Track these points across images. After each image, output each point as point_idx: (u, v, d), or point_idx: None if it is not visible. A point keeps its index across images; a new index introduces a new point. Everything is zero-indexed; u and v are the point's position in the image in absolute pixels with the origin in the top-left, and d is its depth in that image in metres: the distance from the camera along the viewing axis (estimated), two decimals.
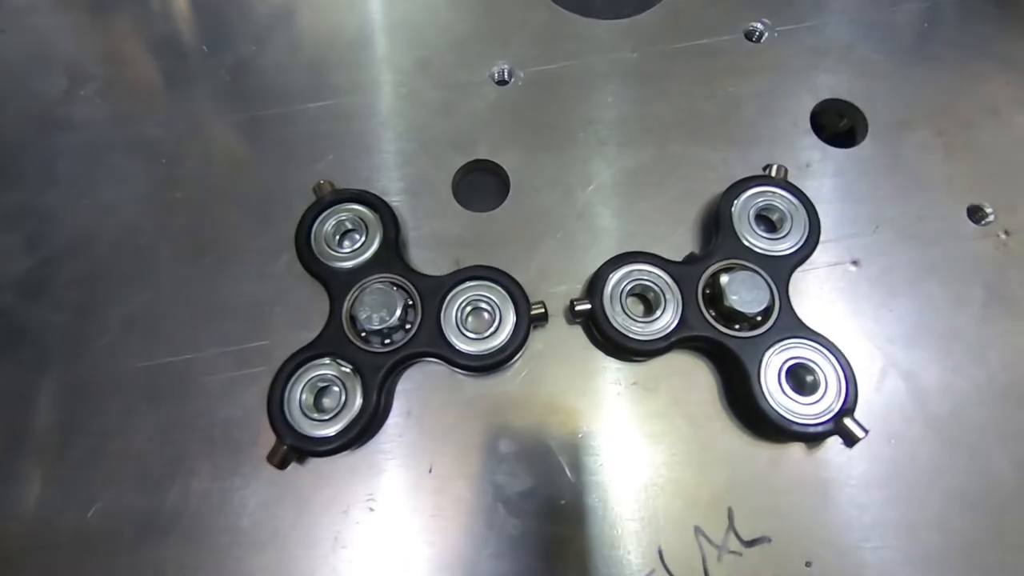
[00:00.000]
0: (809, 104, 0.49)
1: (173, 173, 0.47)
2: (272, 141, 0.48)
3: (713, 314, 0.40)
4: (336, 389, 0.39)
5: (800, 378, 0.39)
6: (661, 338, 0.39)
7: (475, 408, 0.41)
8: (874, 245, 0.45)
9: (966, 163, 0.47)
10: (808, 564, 0.38)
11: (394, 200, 0.45)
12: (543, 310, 0.40)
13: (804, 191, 0.43)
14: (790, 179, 0.44)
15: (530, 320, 0.40)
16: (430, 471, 0.40)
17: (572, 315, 0.41)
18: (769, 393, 0.38)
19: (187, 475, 0.40)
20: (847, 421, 0.37)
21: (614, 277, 0.41)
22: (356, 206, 0.43)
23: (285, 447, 0.37)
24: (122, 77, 0.51)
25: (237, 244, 0.45)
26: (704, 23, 0.52)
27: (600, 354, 0.42)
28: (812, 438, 0.39)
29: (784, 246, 0.42)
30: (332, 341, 0.40)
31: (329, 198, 0.43)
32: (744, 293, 0.39)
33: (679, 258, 0.43)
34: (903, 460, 0.40)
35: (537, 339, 0.42)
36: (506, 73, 0.50)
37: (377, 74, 0.51)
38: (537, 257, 0.44)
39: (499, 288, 0.41)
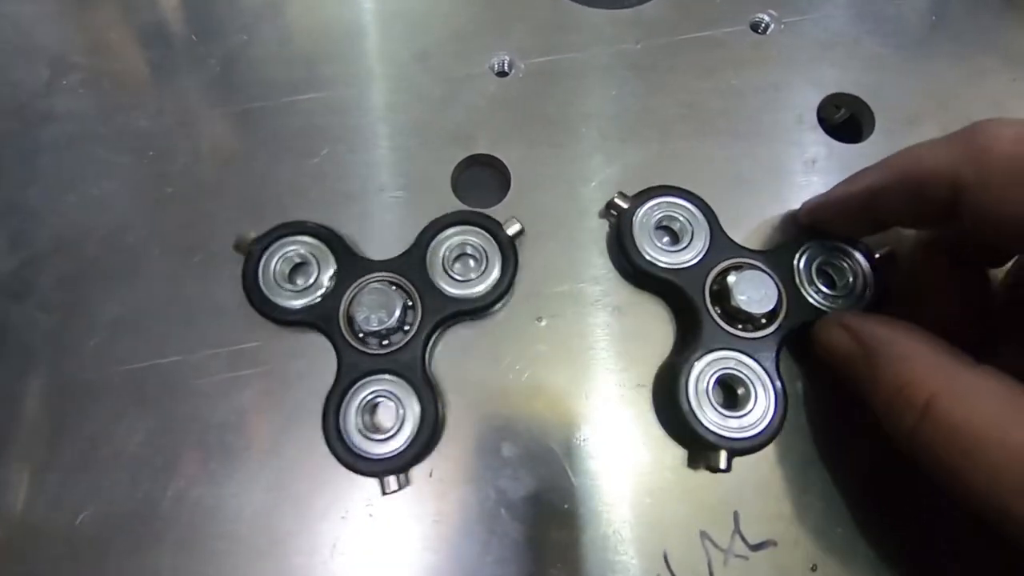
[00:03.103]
0: (815, 99, 0.48)
1: (162, 168, 0.46)
2: (265, 135, 0.46)
3: (719, 311, 0.39)
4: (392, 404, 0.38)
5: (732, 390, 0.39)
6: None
7: (476, 411, 0.40)
8: (881, 243, 0.44)
9: None
10: (814, 568, 0.37)
11: (392, 196, 0.44)
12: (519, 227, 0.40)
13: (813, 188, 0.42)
14: (805, 174, 0.43)
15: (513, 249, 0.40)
16: (431, 475, 0.39)
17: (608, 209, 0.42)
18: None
19: (180, 481, 0.38)
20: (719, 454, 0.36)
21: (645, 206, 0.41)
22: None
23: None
24: (107, 67, 0.49)
25: (229, 241, 0.43)
26: (709, 14, 0.51)
27: (604, 356, 0.41)
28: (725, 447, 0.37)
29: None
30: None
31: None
32: (752, 292, 0.38)
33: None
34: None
35: (538, 341, 0.41)
36: (506, 65, 0.49)
37: (373, 66, 0.49)
38: (538, 256, 0.43)
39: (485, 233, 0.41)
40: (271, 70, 0.49)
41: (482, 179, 0.47)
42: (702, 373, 0.38)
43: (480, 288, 0.40)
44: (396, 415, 0.38)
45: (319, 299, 0.40)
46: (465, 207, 0.44)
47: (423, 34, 0.50)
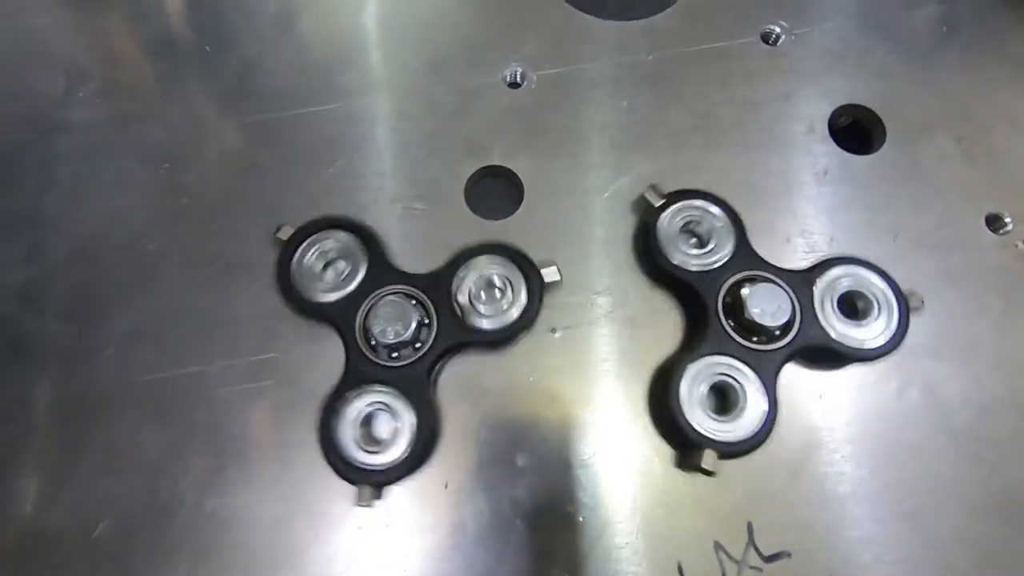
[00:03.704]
0: (827, 109, 0.48)
1: (178, 178, 0.46)
2: (280, 145, 0.47)
3: (732, 324, 0.39)
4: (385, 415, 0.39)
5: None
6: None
7: (491, 422, 0.40)
8: (893, 254, 0.44)
9: (985, 170, 0.47)
10: None
11: (406, 206, 0.44)
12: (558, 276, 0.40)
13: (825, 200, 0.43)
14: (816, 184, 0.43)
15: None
16: (446, 487, 0.39)
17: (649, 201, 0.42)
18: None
19: (198, 491, 0.39)
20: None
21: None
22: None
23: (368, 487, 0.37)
24: (123, 78, 0.50)
25: (245, 252, 0.44)
26: (720, 25, 0.51)
27: (618, 368, 0.41)
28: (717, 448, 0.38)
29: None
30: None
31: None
32: (766, 305, 0.38)
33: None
34: (923, 473, 0.39)
35: (552, 352, 0.42)
36: (519, 75, 0.49)
37: (386, 76, 0.49)
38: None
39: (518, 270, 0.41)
40: (285, 80, 0.49)
41: (495, 189, 0.47)
42: (698, 375, 0.38)
43: (499, 322, 0.40)
44: (391, 429, 0.38)
45: (344, 296, 0.40)
46: (479, 218, 0.44)
47: (436, 45, 0.51)
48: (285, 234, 0.41)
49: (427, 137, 0.47)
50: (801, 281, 0.41)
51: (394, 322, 0.38)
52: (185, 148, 0.47)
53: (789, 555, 0.38)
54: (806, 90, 0.49)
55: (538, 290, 0.40)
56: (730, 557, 0.38)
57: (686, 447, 0.38)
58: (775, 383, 0.39)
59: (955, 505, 0.39)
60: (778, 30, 0.51)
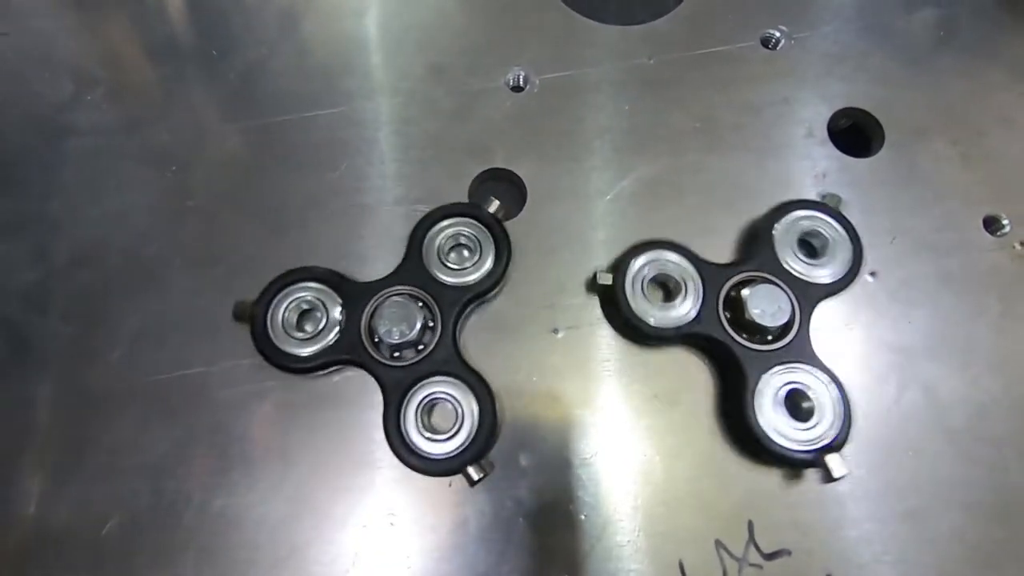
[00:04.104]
0: (826, 113, 0.49)
1: (183, 181, 0.46)
2: (285, 148, 0.47)
3: (729, 316, 0.40)
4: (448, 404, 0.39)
5: (796, 403, 0.39)
6: (673, 328, 0.40)
7: None
8: (892, 256, 0.45)
9: (982, 173, 0.47)
10: None
11: (411, 209, 0.44)
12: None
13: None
14: (815, 187, 0.44)
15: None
16: (450, 485, 0.39)
17: (592, 286, 0.42)
18: (760, 409, 0.38)
19: (203, 491, 0.39)
20: (829, 457, 0.37)
21: (638, 261, 0.41)
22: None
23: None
24: (129, 81, 0.50)
25: (249, 254, 0.44)
26: (720, 30, 0.51)
27: (620, 368, 0.42)
28: (792, 463, 0.38)
29: (821, 272, 0.42)
30: (348, 350, 0.39)
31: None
32: (766, 306, 0.39)
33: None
34: (921, 473, 0.40)
35: (555, 353, 0.42)
36: (521, 79, 0.50)
37: (390, 80, 0.50)
38: (554, 268, 0.44)
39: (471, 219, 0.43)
40: (290, 84, 0.49)
41: (498, 192, 0.47)
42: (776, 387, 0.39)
43: (482, 270, 0.41)
44: (454, 414, 0.39)
45: (338, 336, 0.40)
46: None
47: (439, 49, 0.51)
48: (244, 314, 0.41)
49: (430, 140, 0.48)
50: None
51: (398, 323, 0.38)
52: (190, 151, 0.47)
53: (789, 553, 0.38)
54: (805, 94, 0.50)
55: (498, 227, 0.42)
56: (731, 555, 0.38)
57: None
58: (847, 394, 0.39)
59: (953, 505, 0.39)
60: (778, 34, 0.51)
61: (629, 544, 0.38)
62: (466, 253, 0.42)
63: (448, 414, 0.39)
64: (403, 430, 0.38)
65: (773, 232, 0.42)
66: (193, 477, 0.39)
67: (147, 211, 0.46)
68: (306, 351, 0.40)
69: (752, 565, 0.38)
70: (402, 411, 0.38)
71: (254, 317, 0.40)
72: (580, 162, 0.47)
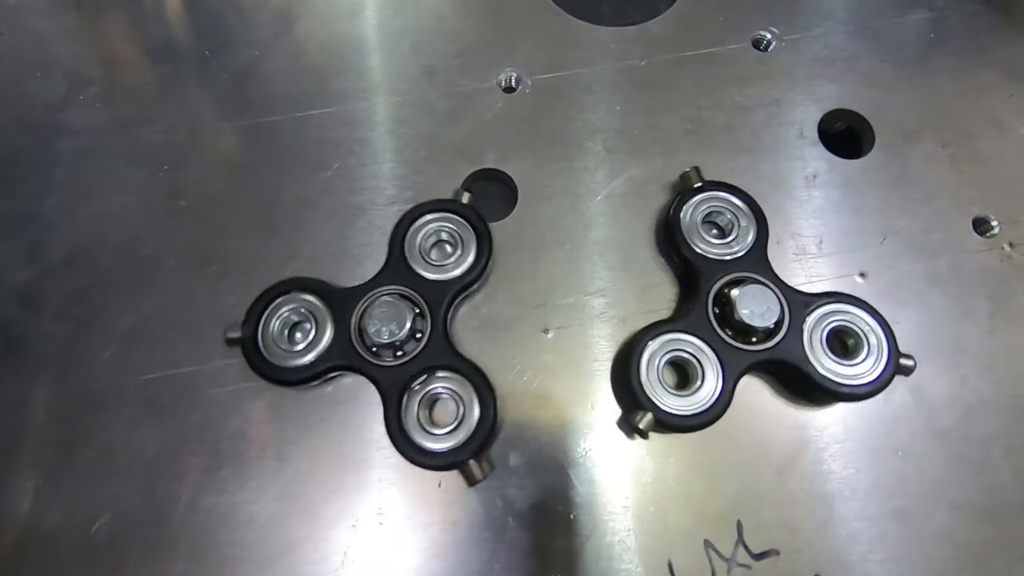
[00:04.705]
0: (816, 114, 0.49)
1: (176, 181, 0.46)
2: (277, 148, 0.47)
3: (730, 333, 0.40)
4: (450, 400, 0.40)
5: (843, 342, 0.40)
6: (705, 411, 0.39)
7: None
8: (881, 257, 0.45)
9: (971, 174, 0.47)
10: None
11: (403, 209, 0.45)
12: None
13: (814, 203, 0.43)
14: (806, 188, 0.44)
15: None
16: (440, 485, 0.39)
17: (637, 432, 0.39)
18: (819, 362, 0.39)
19: (194, 489, 0.39)
20: (901, 360, 0.38)
21: (645, 354, 0.40)
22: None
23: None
24: (123, 82, 0.50)
25: (242, 254, 0.44)
26: (712, 31, 0.52)
27: (608, 367, 0.42)
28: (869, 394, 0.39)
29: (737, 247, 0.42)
30: (343, 355, 0.39)
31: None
32: (755, 306, 0.39)
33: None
34: (910, 473, 0.40)
35: (545, 352, 0.42)
36: (513, 80, 0.50)
37: (382, 80, 0.50)
38: (545, 268, 0.44)
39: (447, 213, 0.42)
40: (283, 85, 0.50)
41: (489, 192, 0.48)
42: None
43: (464, 265, 0.41)
44: (455, 409, 0.39)
45: (330, 343, 0.40)
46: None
47: (432, 50, 0.51)
48: (235, 338, 0.40)
49: (423, 141, 0.48)
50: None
51: (388, 322, 0.39)
52: (183, 152, 0.47)
53: (777, 553, 0.38)
54: (796, 95, 0.50)
55: (474, 217, 0.42)
56: (719, 555, 0.38)
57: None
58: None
59: (941, 504, 0.39)
60: (769, 36, 0.52)
61: (619, 544, 0.39)
62: (448, 248, 0.43)
63: (449, 407, 0.40)
64: (405, 428, 0.38)
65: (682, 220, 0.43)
66: (184, 475, 0.39)
67: (140, 211, 0.46)
68: (301, 361, 0.39)
69: (741, 565, 0.38)
70: (403, 409, 0.39)
71: (244, 340, 0.40)
72: (571, 162, 0.47)
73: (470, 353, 0.41)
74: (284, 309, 0.40)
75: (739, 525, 0.39)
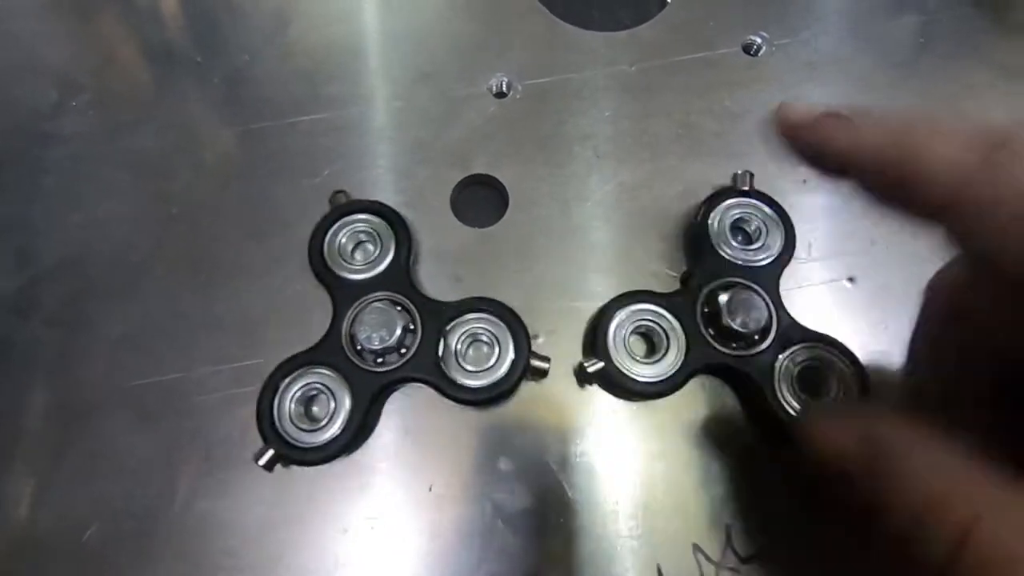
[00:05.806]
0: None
1: (165, 187, 0.46)
2: (268, 154, 0.47)
3: (713, 333, 0.40)
4: (325, 398, 0.39)
5: (810, 380, 0.39)
6: (667, 378, 0.39)
7: (474, 426, 0.41)
8: (870, 262, 0.45)
9: None
10: None
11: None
12: (546, 365, 0.40)
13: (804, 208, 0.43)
14: (797, 193, 0.44)
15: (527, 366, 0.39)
16: (430, 490, 0.40)
17: (583, 378, 0.40)
18: (786, 401, 0.38)
19: (183, 496, 0.39)
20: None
21: (615, 320, 0.40)
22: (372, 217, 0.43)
23: (272, 451, 0.37)
24: (113, 87, 0.50)
25: (232, 261, 0.44)
26: (703, 36, 0.52)
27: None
28: None
29: (762, 256, 0.42)
30: (328, 352, 0.40)
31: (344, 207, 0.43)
32: (742, 314, 0.39)
33: (678, 274, 0.44)
34: None
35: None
36: (505, 85, 0.50)
37: (373, 86, 0.50)
38: (535, 272, 0.44)
39: (501, 322, 0.40)
40: (274, 90, 0.50)
41: (480, 197, 0.48)
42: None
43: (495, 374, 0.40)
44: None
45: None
46: (464, 225, 0.45)
47: (424, 54, 0.51)
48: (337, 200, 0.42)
49: (414, 146, 0.48)
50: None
51: (379, 328, 0.39)
52: (173, 158, 0.47)
53: (766, 557, 0.38)
54: (787, 99, 0.49)
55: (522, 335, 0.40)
56: (708, 559, 0.39)
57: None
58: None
59: None
60: (759, 41, 0.52)
61: (608, 548, 0.39)
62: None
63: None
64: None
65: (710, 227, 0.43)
66: (174, 482, 0.39)
67: (130, 217, 0.46)
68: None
69: (729, 568, 0.38)
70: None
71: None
72: (562, 168, 0.47)
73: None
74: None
75: (728, 529, 0.39)
